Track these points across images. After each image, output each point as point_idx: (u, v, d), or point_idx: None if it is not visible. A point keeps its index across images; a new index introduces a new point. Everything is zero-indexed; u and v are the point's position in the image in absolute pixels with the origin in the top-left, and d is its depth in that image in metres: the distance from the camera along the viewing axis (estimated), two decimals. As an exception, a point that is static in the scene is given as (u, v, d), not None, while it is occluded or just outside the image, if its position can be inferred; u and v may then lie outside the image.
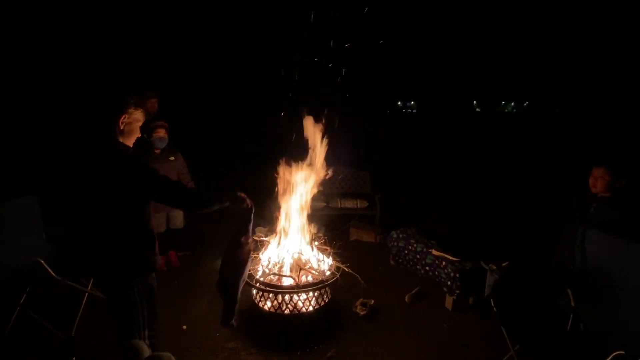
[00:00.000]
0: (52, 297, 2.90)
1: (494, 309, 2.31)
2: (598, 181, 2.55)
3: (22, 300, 2.62)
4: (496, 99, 44.12)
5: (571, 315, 2.15)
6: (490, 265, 2.78)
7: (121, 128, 1.74)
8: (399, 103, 42.77)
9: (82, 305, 2.79)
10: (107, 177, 1.65)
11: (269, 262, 2.85)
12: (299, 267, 2.67)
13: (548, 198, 3.68)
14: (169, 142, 3.57)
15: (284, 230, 2.99)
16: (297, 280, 2.58)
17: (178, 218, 3.83)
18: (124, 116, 1.73)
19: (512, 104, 47.11)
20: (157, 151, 3.58)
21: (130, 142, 1.82)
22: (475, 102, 42.35)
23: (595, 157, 2.67)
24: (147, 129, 3.27)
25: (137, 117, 1.79)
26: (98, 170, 1.66)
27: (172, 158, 3.63)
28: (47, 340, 2.62)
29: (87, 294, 2.84)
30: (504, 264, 2.69)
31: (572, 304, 2.16)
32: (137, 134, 1.85)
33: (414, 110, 42.42)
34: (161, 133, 3.48)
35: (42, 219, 3.00)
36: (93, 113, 1.79)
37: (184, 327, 2.84)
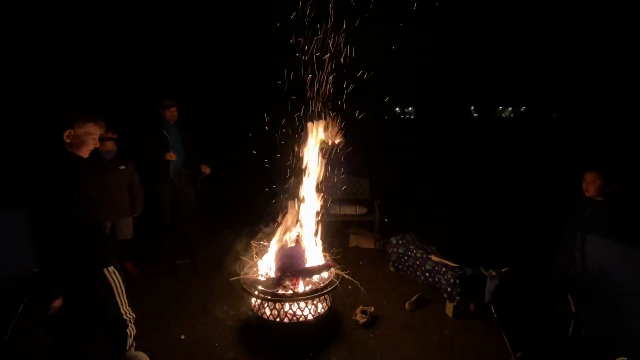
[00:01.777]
0: (48, 307, 2.86)
1: (495, 315, 2.31)
2: (590, 185, 2.59)
3: (19, 311, 2.59)
4: (493, 104, 44.38)
5: (572, 321, 2.14)
6: (490, 271, 2.77)
7: (67, 141, 1.88)
8: (397, 109, 43.04)
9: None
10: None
11: (270, 269, 2.84)
12: (298, 275, 2.65)
13: (547, 202, 3.69)
14: (120, 151, 3.55)
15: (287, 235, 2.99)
16: (295, 288, 2.57)
17: (126, 229, 3.66)
18: (69, 131, 1.87)
19: (510, 109, 47.42)
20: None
21: (82, 152, 1.95)
22: (472, 107, 42.63)
23: (588, 161, 2.72)
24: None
25: (87, 130, 1.92)
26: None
27: (122, 167, 3.53)
28: (45, 351, 2.59)
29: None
30: (503, 270, 2.68)
31: (573, 309, 2.15)
32: (91, 145, 1.98)
33: (412, 117, 42.64)
34: (108, 146, 3.43)
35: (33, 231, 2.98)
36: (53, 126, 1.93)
37: (183, 336, 2.82)
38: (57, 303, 1.92)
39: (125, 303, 2.13)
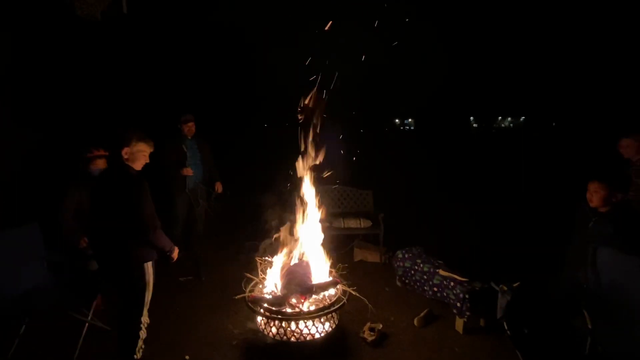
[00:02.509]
0: (51, 328, 2.82)
1: (508, 331, 2.25)
2: (594, 196, 2.59)
3: (21, 331, 2.54)
4: (493, 114, 44.61)
5: (589, 337, 2.08)
6: (501, 286, 2.71)
7: (125, 157, 2.26)
8: (397, 121, 43.28)
9: (82, 336, 2.71)
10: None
11: (275, 286, 2.79)
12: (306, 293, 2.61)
13: (556, 212, 3.65)
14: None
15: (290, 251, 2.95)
16: (300, 306, 2.52)
17: None
18: (126, 149, 2.26)
19: (509, 119, 47.64)
20: None
21: (136, 166, 2.31)
22: (472, 117, 42.87)
23: (592, 171, 2.71)
24: (84, 160, 3.17)
25: (139, 148, 2.30)
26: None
27: None
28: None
29: (87, 324, 2.77)
30: (515, 285, 2.62)
31: (589, 325, 2.09)
32: (143, 160, 2.35)
33: (412, 128, 42.84)
34: (99, 165, 3.23)
35: (44, 246, 2.97)
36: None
37: (187, 357, 2.74)
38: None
39: (147, 305, 2.33)
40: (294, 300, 2.56)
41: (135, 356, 2.28)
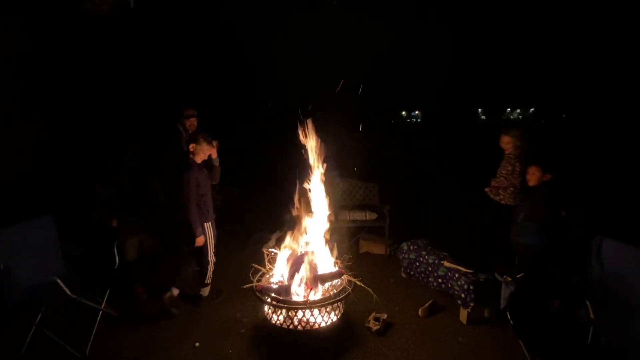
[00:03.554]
0: (67, 316, 2.92)
1: (511, 322, 2.27)
2: (532, 177, 3.25)
3: (37, 320, 2.64)
4: (501, 105, 43.93)
5: (591, 328, 2.10)
6: (505, 277, 2.74)
7: (191, 150, 3.14)
8: (403, 113, 42.89)
9: (97, 324, 2.81)
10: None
11: (282, 277, 2.85)
12: (312, 282, 2.66)
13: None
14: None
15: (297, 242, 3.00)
16: (306, 296, 2.57)
17: (153, 244, 3.61)
18: (193, 145, 3.13)
19: (518, 110, 46.90)
20: None
21: (197, 159, 3.17)
22: (480, 109, 42.29)
23: (530, 157, 3.43)
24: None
25: (202, 147, 3.15)
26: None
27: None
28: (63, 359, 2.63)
29: (101, 312, 2.86)
30: (519, 276, 2.64)
31: (592, 316, 2.11)
32: (203, 156, 3.19)
33: (419, 120, 42.46)
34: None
35: (59, 238, 3.06)
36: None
37: (197, 344, 2.83)
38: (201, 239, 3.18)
39: (212, 250, 3.30)
40: (300, 290, 2.61)
41: (206, 281, 3.38)
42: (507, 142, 3.68)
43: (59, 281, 2.56)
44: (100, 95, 5.94)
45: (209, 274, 3.36)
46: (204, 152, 3.16)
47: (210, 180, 3.32)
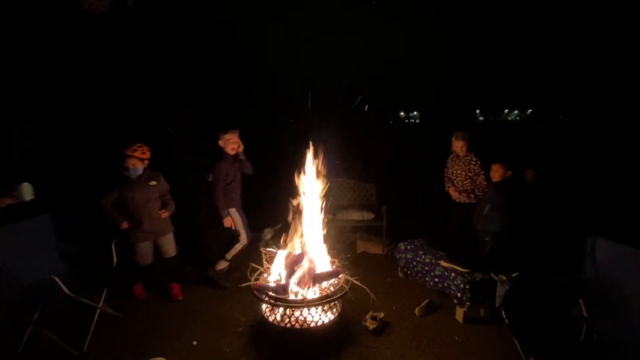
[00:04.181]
0: (64, 314, 2.92)
1: (506, 320, 2.30)
2: (495, 173, 3.59)
3: (35, 318, 2.64)
4: (499, 106, 44.10)
5: (584, 326, 2.13)
6: (500, 276, 2.77)
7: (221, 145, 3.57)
8: (402, 113, 42.98)
9: (94, 322, 2.82)
10: None
11: (280, 276, 2.86)
12: (309, 281, 2.67)
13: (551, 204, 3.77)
14: (149, 166, 3.34)
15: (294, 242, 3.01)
16: (304, 295, 2.59)
17: (169, 245, 3.47)
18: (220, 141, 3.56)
19: (516, 111, 47.08)
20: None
21: (229, 150, 3.57)
22: (478, 110, 42.41)
23: (494, 155, 3.68)
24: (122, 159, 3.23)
25: (224, 140, 3.55)
26: None
27: (152, 183, 3.32)
28: (60, 358, 2.64)
29: (98, 311, 2.87)
30: (514, 275, 2.67)
31: (585, 314, 2.14)
32: (231, 147, 3.55)
33: (417, 121, 42.54)
34: (131, 164, 3.19)
35: (56, 237, 3.07)
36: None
37: (194, 342, 2.84)
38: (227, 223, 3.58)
39: (244, 232, 3.67)
40: (298, 289, 2.63)
41: (227, 255, 3.66)
42: (462, 146, 3.96)
43: (56, 279, 2.56)
44: (105, 94, 5.93)
45: (234, 251, 3.66)
46: (230, 143, 3.51)
47: (242, 171, 3.69)
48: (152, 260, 3.43)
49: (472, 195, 3.96)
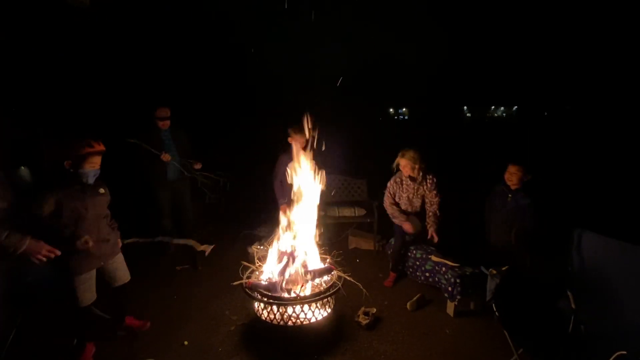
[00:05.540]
0: (49, 318, 2.85)
1: (496, 313, 2.33)
2: (513, 176, 3.15)
3: (18, 322, 2.56)
4: (486, 103, 44.77)
5: (572, 317, 2.18)
6: (490, 270, 2.81)
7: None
8: (391, 110, 43.22)
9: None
10: None
11: (272, 273, 2.84)
12: (301, 278, 2.66)
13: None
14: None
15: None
16: (297, 292, 2.58)
17: (121, 269, 2.70)
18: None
19: (502, 108, 47.85)
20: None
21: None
22: (465, 107, 42.96)
23: (510, 156, 3.30)
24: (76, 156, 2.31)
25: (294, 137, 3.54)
26: None
27: (102, 191, 2.52)
28: (51, 348, 2.59)
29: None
30: (503, 268, 2.71)
31: (573, 306, 2.19)
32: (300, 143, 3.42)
33: (406, 117, 42.84)
34: (91, 164, 2.37)
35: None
36: None
37: (186, 342, 2.81)
38: None
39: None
40: (290, 286, 2.62)
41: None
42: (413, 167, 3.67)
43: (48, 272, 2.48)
44: (93, 94, 5.76)
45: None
46: (297, 140, 3.53)
47: None
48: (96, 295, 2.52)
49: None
